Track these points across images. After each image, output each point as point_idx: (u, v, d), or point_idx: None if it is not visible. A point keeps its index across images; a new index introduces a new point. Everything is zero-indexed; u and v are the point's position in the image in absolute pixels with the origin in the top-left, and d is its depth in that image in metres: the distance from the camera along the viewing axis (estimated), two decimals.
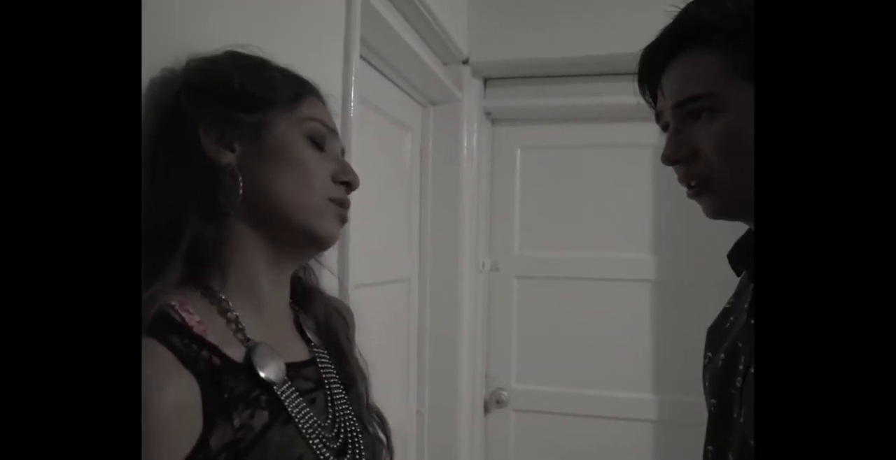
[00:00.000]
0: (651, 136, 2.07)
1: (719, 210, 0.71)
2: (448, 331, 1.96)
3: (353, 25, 1.13)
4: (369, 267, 1.52)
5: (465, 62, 1.96)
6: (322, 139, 0.67)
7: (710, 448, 0.78)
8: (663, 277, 2.04)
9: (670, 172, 2.10)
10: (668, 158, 0.71)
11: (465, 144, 2.00)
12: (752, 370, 0.69)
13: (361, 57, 1.36)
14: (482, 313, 2.15)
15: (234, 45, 0.69)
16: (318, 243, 0.67)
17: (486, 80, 2.10)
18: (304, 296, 0.74)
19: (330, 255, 1.08)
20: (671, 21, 0.71)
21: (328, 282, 1.08)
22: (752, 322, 0.73)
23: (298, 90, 0.67)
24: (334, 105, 1.11)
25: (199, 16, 0.75)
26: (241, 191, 0.61)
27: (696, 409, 2.00)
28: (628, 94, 2.29)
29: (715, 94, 0.67)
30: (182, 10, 0.72)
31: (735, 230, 0.76)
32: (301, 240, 0.65)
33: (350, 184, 0.68)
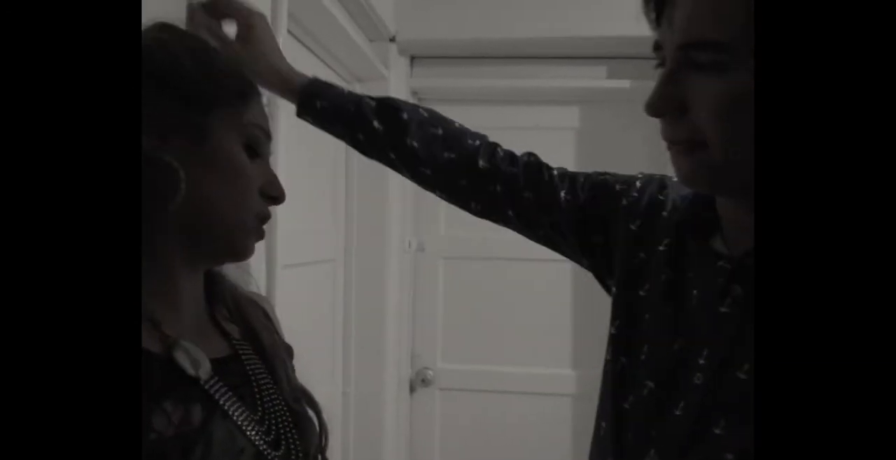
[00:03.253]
0: (573, 120, 2.12)
1: (701, 180, 0.60)
2: (374, 311, 1.95)
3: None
4: (295, 247, 1.49)
5: (392, 40, 1.94)
6: (259, 146, 0.64)
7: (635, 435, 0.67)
8: None
9: (591, 156, 2.16)
10: (653, 108, 0.57)
11: None
12: (736, 373, 0.59)
13: (287, 31, 1.32)
14: (408, 293, 2.16)
15: (165, 17, 0.63)
16: (234, 257, 0.65)
17: (412, 59, 2.09)
18: (211, 286, 0.70)
19: None
20: None
21: (254, 263, 1.06)
22: (724, 310, 0.62)
23: (244, 89, 0.63)
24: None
25: None
26: (182, 192, 0.56)
27: None
28: (553, 77, 2.33)
29: (732, 45, 0.51)
30: None
31: None
32: (218, 250, 0.63)
33: (276, 200, 0.66)
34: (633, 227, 0.76)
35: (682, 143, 0.58)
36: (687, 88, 0.55)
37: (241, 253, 0.64)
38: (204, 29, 0.82)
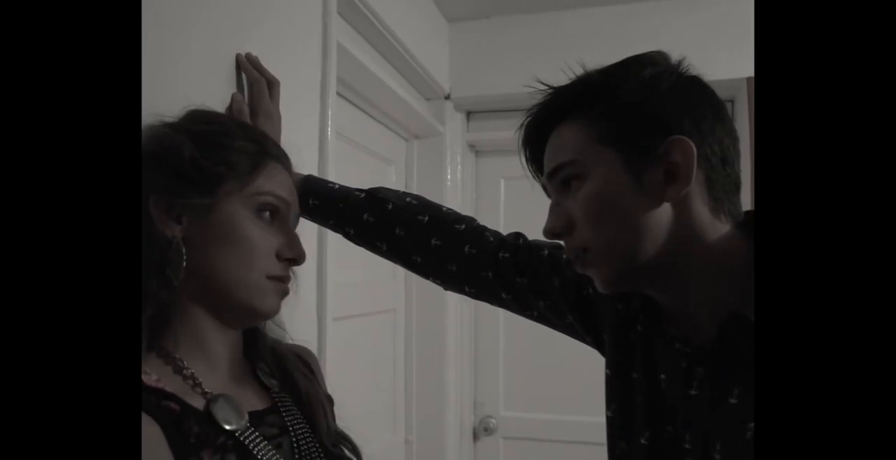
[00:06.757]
0: None
1: (605, 281, 0.68)
2: (435, 358, 1.99)
3: (328, 68, 1.17)
4: (356, 298, 1.55)
5: (447, 97, 2.02)
6: (274, 211, 0.68)
7: None
8: None
9: None
10: (548, 231, 0.70)
11: (449, 177, 2.05)
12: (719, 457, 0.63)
13: (342, 95, 1.41)
14: (469, 340, 2.18)
15: (200, 105, 0.70)
16: (259, 318, 0.69)
17: (468, 114, 2.16)
18: (252, 343, 0.75)
19: (308, 290, 1.12)
20: (546, 97, 0.73)
21: (305, 316, 1.12)
22: (693, 393, 0.66)
23: (257, 160, 0.68)
24: (311, 142, 1.15)
25: (183, 71, 0.80)
26: (184, 265, 0.63)
27: None
28: None
29: (577, 160, 0.67)
30: (153, 60, 0.77)
31: None
32: (242, 314, 0.68)
33: (295, 261, 0.69)
34: (619, 307, 0.77)
35: (577, 257, 0.68)
36: (567, 207, 0.68)
37: (262, 312, 0.68)
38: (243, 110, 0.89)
